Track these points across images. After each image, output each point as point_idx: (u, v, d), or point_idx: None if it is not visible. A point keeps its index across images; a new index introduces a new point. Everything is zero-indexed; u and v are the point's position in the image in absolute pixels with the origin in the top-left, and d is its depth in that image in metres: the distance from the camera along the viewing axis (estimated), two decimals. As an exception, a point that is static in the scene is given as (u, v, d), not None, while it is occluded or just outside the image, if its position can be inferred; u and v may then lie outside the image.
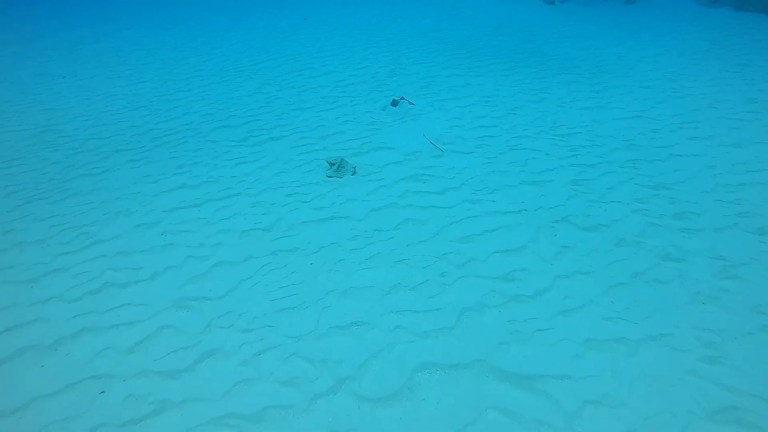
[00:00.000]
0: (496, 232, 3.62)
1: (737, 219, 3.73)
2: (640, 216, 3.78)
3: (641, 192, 4.09)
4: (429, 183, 4.26)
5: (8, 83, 7.79)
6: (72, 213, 4.10)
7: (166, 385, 2.54)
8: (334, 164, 4.39)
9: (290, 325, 2.88)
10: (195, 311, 3.00)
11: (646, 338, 2.73)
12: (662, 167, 4.47)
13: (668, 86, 6.47)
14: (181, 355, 2.71)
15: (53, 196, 4.40)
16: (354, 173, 4.39)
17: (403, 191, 4.15)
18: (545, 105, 5.87)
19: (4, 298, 3.17)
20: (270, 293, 3.12)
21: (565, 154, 4.71)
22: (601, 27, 10.08)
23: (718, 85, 6.45)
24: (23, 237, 3.82)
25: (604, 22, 10.66)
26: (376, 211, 3.91)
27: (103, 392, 2.51)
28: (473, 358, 2.62)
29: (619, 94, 6.22)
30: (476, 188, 4.16)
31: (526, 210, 3.86)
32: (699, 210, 3.84)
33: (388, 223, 3.76)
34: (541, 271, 3.24)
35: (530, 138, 5.02)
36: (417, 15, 11.06)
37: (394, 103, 5.80)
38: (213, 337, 2.81)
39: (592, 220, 3.73)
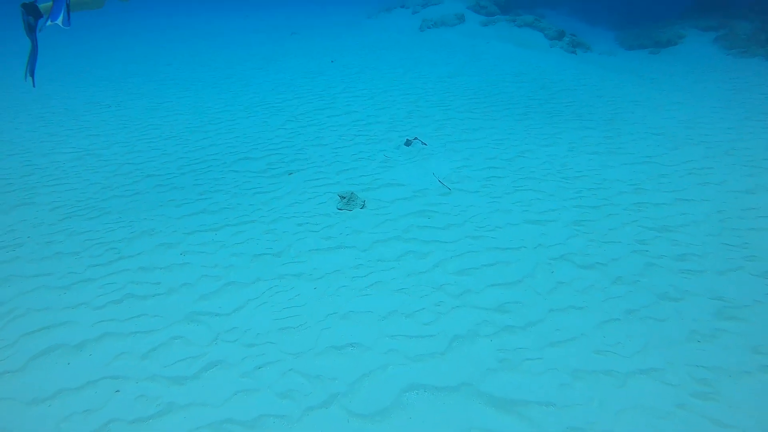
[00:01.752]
0: (494, 266, 3.76)
1: (743, 262, 3.77)
2: (640, 256, 3.87)
3: (643, 234, 4.19)
4: (433, 219, 4.45)
5: (62, 110, 8.49)
6: (104, 230, 4.45)
7: (173, 389, 2.73)
8: (344, 198, 4.65)
9: (290, 342, 3.05)
10: (204, 325, 3.22)
11: (637, 371, 2.79)
12: (667, 210, 4.56)
13: (683, 133, 6.60)
14: (188, 363, 2.91)
15: (89, 213, 4.79)
16: (363, 207, 4.63)
17: (408, 225, 4.35)
18: (555, 149, 6.07)
19: (41, 301, 3.48)
20: (274, 313, 3.32)
21: (570, 195, 4.86)
22: (620, 76, 10.32)
23: (739, 133, 6.53)
24: (61, 248, 4.18)
25: (625, 71, 10.91)
26: (380, 242, 4.11)
27: (118, 391, 2.73)
28: (461, 382, 2.74)
29: (631, 140, 6.38)
30: (479, 225, 4.34)
31: (525, 247, 4.01)
32: (702, 252, 3.91)
33: (390, 254, 3.95)
34: (534, 304, 3.36)
35: (537, 180, 5.20)
36: (439, 61, 11.54)
37: (408, 143, 6.09)
38: (219, 349, 3.01)
39: (590, 259, 3.85)
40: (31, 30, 3.50)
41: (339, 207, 4.63)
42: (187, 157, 6.18)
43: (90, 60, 13.38)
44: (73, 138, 7.11)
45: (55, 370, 2.89)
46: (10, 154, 6.51)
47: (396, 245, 4.07)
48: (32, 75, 3.63)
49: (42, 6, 3.55)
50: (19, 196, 5.20)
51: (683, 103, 8.09)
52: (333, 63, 11.70)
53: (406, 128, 6.95)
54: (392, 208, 4.66)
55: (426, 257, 3.90)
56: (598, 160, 5.69)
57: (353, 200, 4.64)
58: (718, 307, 3.28)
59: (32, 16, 3.49)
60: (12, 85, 10.52)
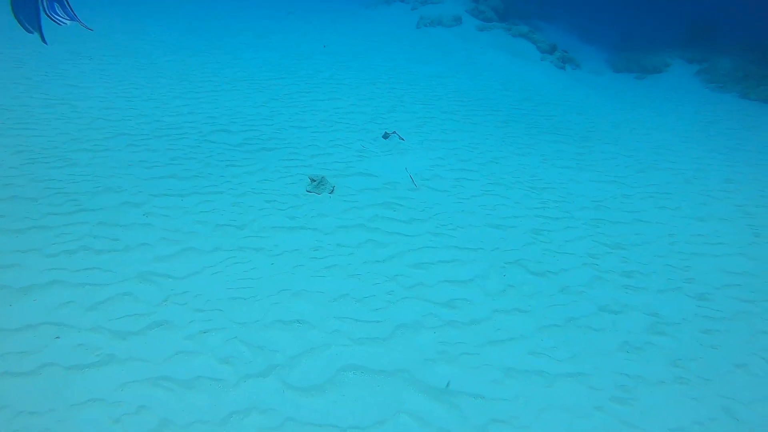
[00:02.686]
0: (449, 264, 3.88)
1: (682, 283, 3.97)
2: (590, 269, 4.04)
3: (597, 248, 4.36)
4: (399, 212, 4.54)
5: (41, 56, 8.29)
6: (67, 180, 4.43)
7: (115, 343, 2.76)
8: (315, 181, 4.70)
9: (239, 312, 3.11)
10: (156, 285, 3.25)
11: (565, 374, 2.93)
12: (623, 229, 4.75)
13: (651, 158, 6.82)
14: (134, 320, 2.94)
15: (54, 162, 4.75)
16: (332, 192, 4.69)
17: (373, 215, 4.43)
18: (528, 159, 6.22)
19: None
20: (228, 282, 3.37)
21: (534, 205, 5.01)
22: (603, 96, 10.57)
23: (701, 164, 6.80)
24: (19, 192, 4.16)
25: (609, 92, 11.18)
26: (343, 228, 4.18)
27: (58, 338, 2.75)
28: (398, 368, 2.83)
29: (602, 159, 6.58)
30: (441, 223, 4.45)
31: (482, 249, 4.13)
32: (647, 271, 4.09)
33: (351, 240, 4.03)
34: (482, 303, 3.48)
35: (505, 186, 5.34)
36: (430, 60, 11.62)
37: (386, 136, 6.16)
38: (167, 311, 3.05)
39: (542, 266, 3.99)
40: None
41: (308, 189, 4.68)
42: (163, 121, 6.13)
43: (77, 8, 13.02)
44: (47, 85, 6.98)
45: (-3, 310, 2.89)
46: (-20, 94, 6.37)
47: (358, 233, 4.15)
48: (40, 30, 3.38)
49: None
50: (-18, 136, 5.12)
51: (657, 128, 8.36)
52: (325, 48, 11.67)
53: (387, 121, 7.01)
54: (360, 197, 4.74)
55: (385, 247, 3.99)
56: (567, 174, 5.86)
57: (323, 184, 4.70)
58: (651, 322, 3.46)
59: None
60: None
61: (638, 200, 5.43)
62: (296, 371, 2.74)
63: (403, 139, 6.18)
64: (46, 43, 3.52)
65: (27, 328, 2.79)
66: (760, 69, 12.24)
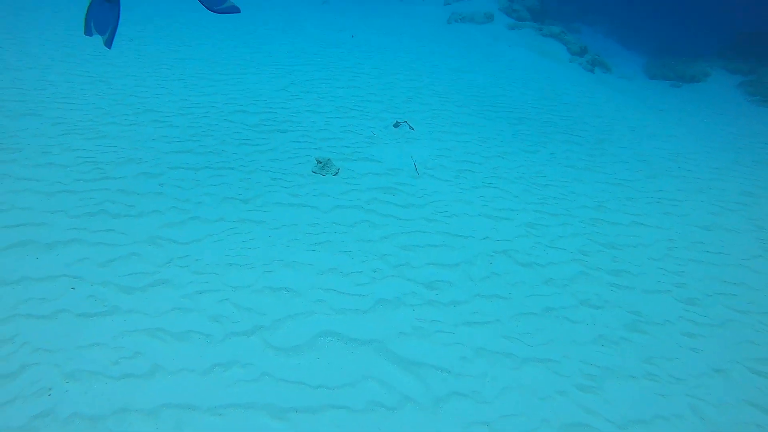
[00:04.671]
0: (438, 248, 4.06)
1: (671, 287, 4.01)
2: (578, 265, 4.14)
3: (589, 246, 4.45)
4: (397, 196, 4.74)
5: (85, 37, 8.75)
6: (96, 150, 4.82)
7: (121, 296, 3.07)
8: (321, 162, 4.93)
9: (233, 277, 3.38)
10: (162, 248, 3.55)
11: (534, 359, 3.08)
12: (620, 230, 4.81)
13: (665, 164, 6.78)
14: (139, 277, 3.25)
15: (87, 134, 5.16)
16: (336, 174, 4.92)
17: (371, 198, 4.64)
18: (536, 156, 6.31)
19: (25, 201, 3.88)
20: (227, 250, 3.64)
21: (533, 200, 5.12)
22: (628, 100, 10.45)
23: (720, 174, 6.70)
24: (54, 159, 4.56)
25: (635, 98, 11.03)
26: (340, 208, 4.41)
27: (73, 288, 3.07)
28: (373, 338, 3.04)
29: (612, 162, 6.59)
30: (437, 210, 4.62)
31: (473, 237, 4.29)
32: (637, 272, 4.16)
33: (347, 220, 4.25)
34: (464, 287, 3.65)
35: (507, 180, 5.46)
36: (455, 55, 11.68)
37: (396, 125, 6.34)
38: (169, 271, 3.34)
39: (530, 258, 4.13)
40: None
41: (314, 170, 4.92)
42: (189, 101, 6.47)
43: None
44: (89, 63, 7.46)
45: (24, 261, 3.24)
46: (30, 67, 6.91)
47: (354, 213, 4.37)
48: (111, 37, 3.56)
49: None
50: (28, 106, 5.60)
51: (678, 136, 8.25)
52: (353, 38, 11.87)
53: (401, 111, 7.19)
54: (362, 180, 4.95)
55: (378, 228, 4.20)
56: (572, 174, 5.93)
57: (328, 166, 4.93)
58: (631, 320, 3.56)
59: None
60: (42, 5, 10.82)
61: (643, 204, 5.45)
62: (278, 333, 2.98)
63: (413, 129, 6.35)
64: (110, 48, 3.69)
65: (48, 279, 3.13)
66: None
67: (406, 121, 6.45)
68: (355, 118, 6.69)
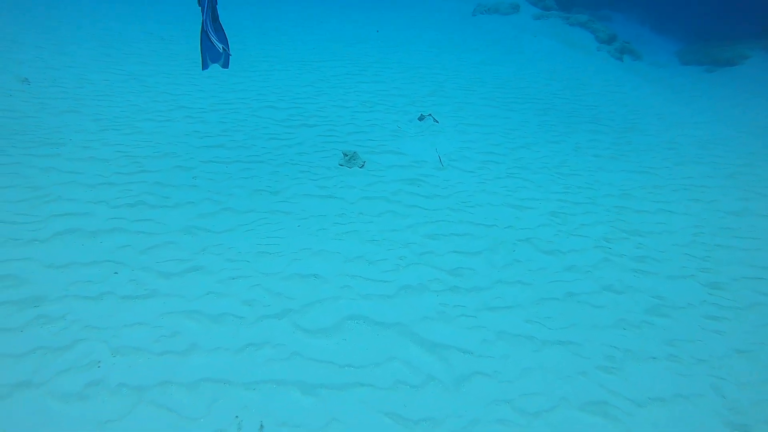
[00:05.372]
0: (462, 237, 4.15)
1: (696, 272, 3.99)
2: (601, 252, 4.17)
3: (612, 233, 4.46)
4: (422, 188, 4.84)
5: (121, 37, 9.23)
6: (133, 145, 5.10)
7: (160, 281, 3.27)
8: (347, 155, 5.07)
9: (264, 264, 3.55)
10: (197, 237, 3.75)
11: (555, 342, 3.14)
12: (645, 218, 4.79)
13: (694, 152, 6.67)
14: (176, 264, 3.45)
15: (124, 129, 5.46)
16: (362, 166, 5.05)
17: (397, 189, 4.76)
18: (560, 147, 6.30)
19: (70, 193, 4.16)
20: (258, 239, 3.82)
21: (557, 189, 5.15)
22: (657, 88, 10.26)
23: (752, 160, 6.52)
24: (95, 154, 4.85)
25: (666, 84, 10.81)
26: (366, 199, 4.54)
27: (116, 273, 3.30)
28: (397, 322, 3.16)
29: (639, 150, 6.53)
30: (461, 200, 4.71)
31: (496, 226, 4.36)
32: (661, 258, 4.14)
33: (373, 210, 4.38)
34: (486, 274, 3.74)
35: (531, 171, 5.49)
36: (480, 47, 11.67)
37: (421, 118, 6.43)
38: (203, 258, 3.53)
39: (552, 246, 4.18)
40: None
41: (340, 163, 5.06)
42: (219, 97, 6.72)
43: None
44: (125, 62, 7.82)
45: (72, 247, 3.49)
46: (69, 66, 7.29)
47: (380, 204, 4.49)
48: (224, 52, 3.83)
49: None
50: (69, 104, 5.95)
51: (709, 122, 8.08)
52: (378, 33, 11.97)
53: (425, 105, 7.27)
54: (388, 173, 5.07)
55: (404, 218, 4.31)
56: (597, 163, 5.92)
57: (354, 159, 5.06)
58: (654, 304, 3.57)
59: None
60: (74, 5, 11.28)
61: (669, 192, 5.41)
62: (307, 316, 3.13)
63: (437, 122, 6.43)
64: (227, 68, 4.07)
65: (93, 264, 3.37)
66: None
67: (430, 114, 6.54)
68: (380, 112, 6.81)
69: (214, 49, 3.78)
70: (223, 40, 3.80)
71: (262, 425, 2.38)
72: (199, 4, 3.68)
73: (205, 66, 3.82)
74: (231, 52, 3.87)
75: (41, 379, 2.48)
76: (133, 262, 3.42)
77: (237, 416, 2.42)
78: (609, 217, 4.73)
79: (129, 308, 3.03)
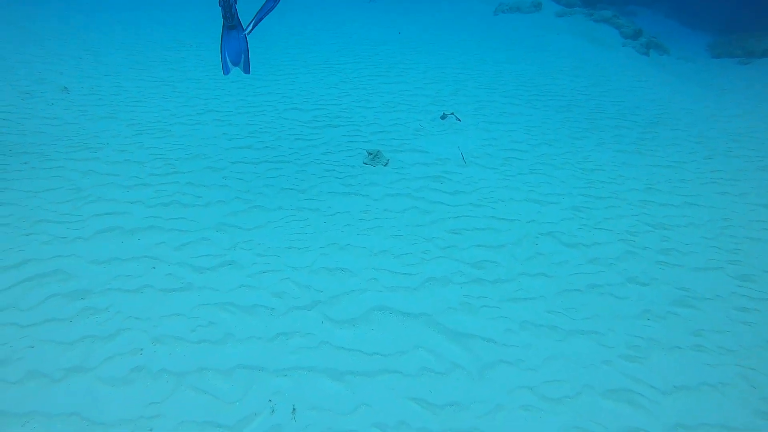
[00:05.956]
0: (485, 231, 4.21)
1: (724, 264, 3.96)
2: (625, 245, 4.17)
3: (637, 227, 4.45)
4: (445, 184, 4.92)
5: (150, 45, 9.60)
6: (166, 148, 5.32)
7: (194, 275, 3.43)
8: (371, 154, 5.19)
9: (293, 258, 3.68)
10: (228, 234, 3.91)
11: (578, 331, 3.18)
12: (671, 211, 4.76)
13: (724, 145, 6.56)
14: (210, 259, 3.61)
15: (157, 133, 5.70)
16: (386, 165, 5.16)
17: (420, 186, 4.85)
18: (584, 142, 6.29)
19: (109, 194, 4.37)
20: (286, 235, 3.96)
21: (580, 184, 5.16)
22: (686, 83, 10.08)
23: (788, 152, 6.42)
24: (131, 157, 5.08)
25: (695, 79, 10.61)
26: (391, 196, 4.64)
27: (154, 268, 3.48)
28: (422, 312, 3.25)
29: (665, 145, 6.46)
30: (484, 196, 4.76)
31: (519, 220, 4.41)
32: (688, 251, 4.12)
33: (397, 206, 4.48)
34: (509, 266, 3.79)
35: (553, 166, 5.51)
36: (502, 46, 11.66)
37: (443, 117, 6.51)
38: (235, 254, 3.69)
39: (575, 239, 4.20)
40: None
41: (365, 161, 5.18)
42: (246, 100, 6.93)
43: (179, 8, 14.48)
44: (156, 69, 8.13)
45: (112, 244, 3.69)
46: (105, 74, 7.67)
47: (404, 200, 4.59)
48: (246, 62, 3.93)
49: None
50: (106, 110, 6.28)
51: (742, 116, 7.91)
52: (399, 35, 12.09)
53: (448, 104, 7.34)
54: (411, 170, 5.16)
55: (427, 214, 4.40)
56: (621, 158, 5.89)
57: (378, 157, 5.17)
58: (680, 296, 3.57)
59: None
60: (105, 18, 11.74)
61: (697, 185, 5.35)
62: (335, 308, 3.25)
63: (459, 120, 6.50)
64: (248, 73, 4.14)
65: (133, 259, 3.55)
66: None
67: (452, 113, 6.61)
68: (403, 111, 6.92)
69: (234, 50, 3.84)
70: (237, 49, 3.84)
71: (294, 408, 2.50)
72: (220, 5, 3.70)
73: (225, 71, 3.90)
74: (249, 56, 3.90)
75: (90, 364, 2.66)
76: (169, 257, 3.60)
77: (270, 400, 2.54)
78: (633, 211, 4.72)
79: (167, 300, 3.19)
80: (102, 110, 6.22)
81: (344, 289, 3.42)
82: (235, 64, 3.89)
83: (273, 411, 2.48)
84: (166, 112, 6.33)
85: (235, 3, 3.76)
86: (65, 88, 6.73)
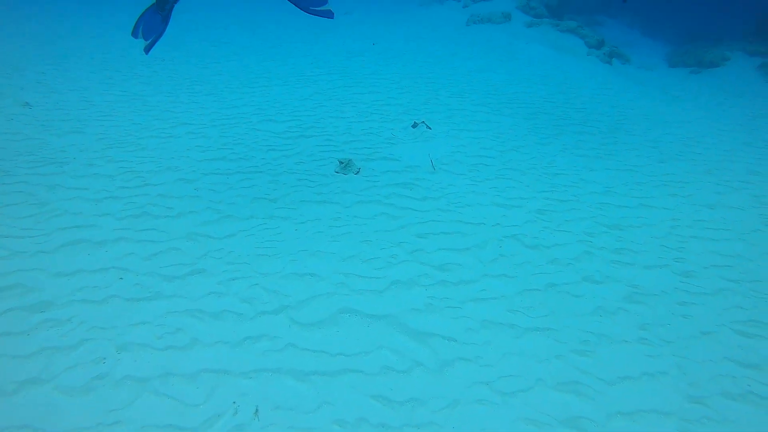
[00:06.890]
0: (451, 235, 4.36)
1: (670, 262, 4.18)
2: (583, 245, 4.36)
3: (594, 228, 4.65)
4: (414, 191, 5.07)
5: (121, 58, 9.59)
6: (136, 161, 5.35)
7: (163, 284, 3.50)
8: (343, 163, 5.32)
9: (262, 265, 3.78)
10: (198, 243, 3.99)
11: (535, 329, 3.33)
12: (626, 212, 4.99)
13: (676, 149, 6.88)
14: (179, 268, 3.68)
15: (127, 147, 5.73)
16: (357, 173, 5.30)
17: (390, 193, 4.99)
18: (549, 148, 6.52)
19: (76, 207, 4.39)
20: (257, 243, 4.06)
21: (544, 188, 5.36)
22: (644, 89, 10.48)
23: (729, 156, 6.77)
24: (100, 171, 5.10)
25: (652, 86, 11.05)
26: (361, 203, 4.78)
27: (121, 278, 3.53)
28: (388, 314, 3.37)
29: (624, 149, 6.74)
30: (452, 201, 4.93)
31: (484, 224, 4.57)
32: (639, 250, 4.34)
33: (367, 213, 4.61)
34: (473, 268, 3.94)
35: (520, 171, 5.71)
36: (474, 56, 11.96)
37: (414, 125, 6.69)
38: (205, 262, 3.77)
39: (537, 241, 4.38)
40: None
41: (336, 170, 5.31)
42: (219, 113, 7.02)
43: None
44: (126, 83, 8.15)
45: (78, 257, 3.73)
46: (72, 89, 7.63)
47: (374, 207, 4.72)
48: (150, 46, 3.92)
49: None
50: (73, 125, 6.25)
51: (692, 122, 8.29)
52: (374, 46, 12.30)
53: (420, 113, 7.53)
54: (382, 178, 5.31)
55: (396, 219, 4.54)
56: (583, 163, 6.13)
57: (350, 166, 5.31)
58: (630, 292, 3.76)
59: None
60: (79, 31, 11.72)
61: (650, 188, 5.60)
62: (302, 311, 3.35)
63: (430, 128, 6.68)
64: (147, 54, 4.13)
65: (100, 271, 3.60)
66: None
67: (423, 122, 6.79)
68: (376, 121, 7.08)
69: (152, 26, 3.84)
70: (154, 30, 3.84)
71: (257, 409, 2.59)
72: None
73: (135, 33, 3.84)
74: (156, 42, 3.89)
75: (48, 375, 2.68)
76: (138, 267, 3.66)
77: (234, 402, 2.63)
78: (592, 213, 4.93)
79: (134, 309, 3.25)
80: (68, 125, 6.23)
81: (312, 293, 3.53)
82: (144, 38, 3.86)
83: (236, 412, 2.57)
84: (138, 125, 6.37)
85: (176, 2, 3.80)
86: (26, 103, 6.69)
